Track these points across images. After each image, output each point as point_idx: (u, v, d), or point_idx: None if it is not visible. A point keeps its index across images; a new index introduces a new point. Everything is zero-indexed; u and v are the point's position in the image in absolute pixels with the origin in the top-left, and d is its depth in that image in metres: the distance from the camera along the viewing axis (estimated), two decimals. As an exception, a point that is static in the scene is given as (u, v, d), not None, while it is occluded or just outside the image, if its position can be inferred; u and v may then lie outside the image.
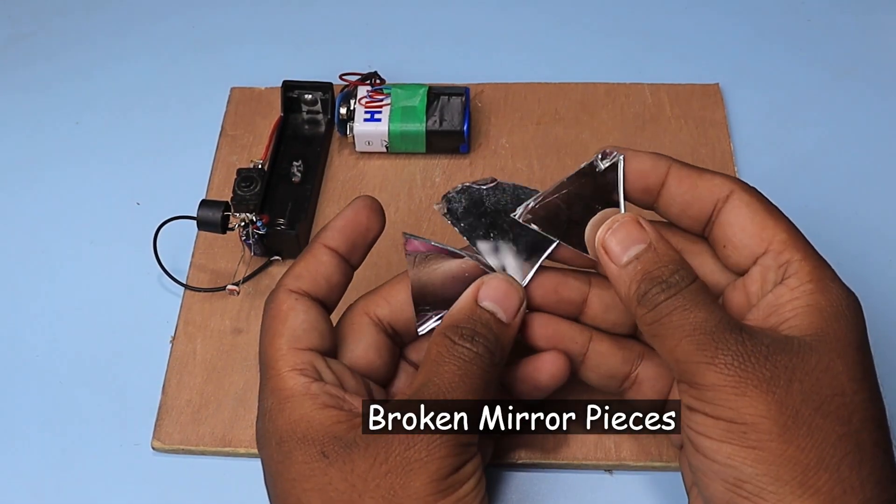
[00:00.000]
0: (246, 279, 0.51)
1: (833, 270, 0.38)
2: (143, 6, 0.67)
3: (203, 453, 0.47)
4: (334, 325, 0.41)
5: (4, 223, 0.56)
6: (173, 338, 0.50)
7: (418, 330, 0.40)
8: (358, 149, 0.56)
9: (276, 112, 0.57)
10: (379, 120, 0.55)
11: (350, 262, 0.41)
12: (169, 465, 0.47)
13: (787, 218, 0.39)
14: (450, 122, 0.55)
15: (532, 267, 0.40)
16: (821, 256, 0.38)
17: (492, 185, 0.41)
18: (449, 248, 0.40)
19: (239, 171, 0.52)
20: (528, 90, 0.59)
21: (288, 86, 0.56)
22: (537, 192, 0.40)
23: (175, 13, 0.66)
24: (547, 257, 0.40)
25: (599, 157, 0.40)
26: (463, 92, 0.56)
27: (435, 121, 0.55)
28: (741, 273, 0.39)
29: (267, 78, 0.60)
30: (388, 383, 0.42)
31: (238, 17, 0.66)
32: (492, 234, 0.40)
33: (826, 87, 0.60)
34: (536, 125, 0.58)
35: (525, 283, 0.40)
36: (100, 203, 0.56)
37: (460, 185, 0.41)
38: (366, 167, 0.56)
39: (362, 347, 0.40)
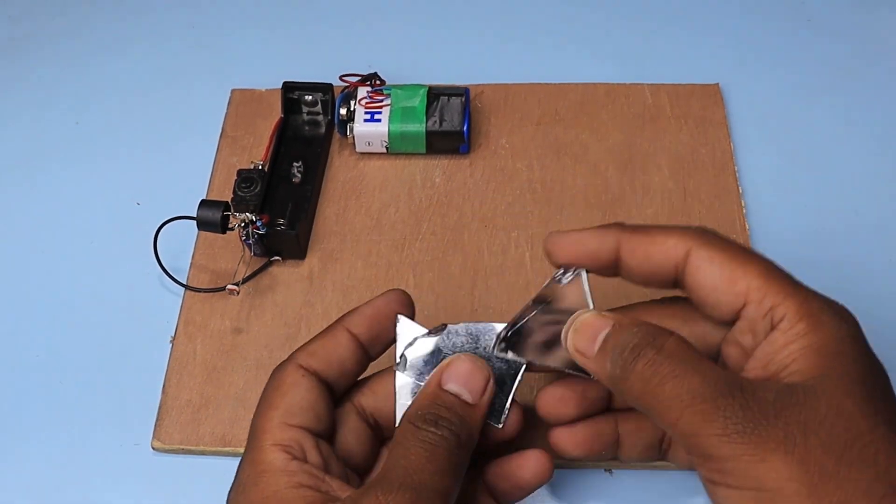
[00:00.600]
0: (246, 279, 0.51)
1: (820, 298, 0.36)
2: (142, 7, 0.67)
3: (203, 453, 0.47)
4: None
5: (4, 223, 0.56)
6: (173, 338, 0.50)
7: (396, 424, 0.38)
8: (358, 149, 0.56)
9: (277, 113, 0.57)
10: (379, 120, 0.55)
11: (369, 353, 0.40)
12: (169, 465, 0.47)
13: (756, 257, 0.37)
14: (450, 122, 0.55)
15: (508, 396, 0.39)
16: (804, 288, 0.36)
17: (443, 331, 0.40)
18: (435, 328, 0.40)
19: (239, 172, 0.52)
20: (528, 90, 0.59)
21: (288, 87, 0.56)
22: (491, 325, 0.40)
23: (175, 13, 0.66)
24: (519, 383, 0.39)
25: (560, 272, 0.39)
26: (463, 92, 0.56)
27: (435, 121, 0.55)
28: (731, 325, 0.37)
29: (267, 79, 0.60)
30: (366, 473, 0.40)
31: (238, 18, 0.66)
32: None
33: (826, 87, 0.60)
34: (536, 125, 0.58)
35: (504, 415, 0.39)
36: (100, 203, 0.56)
37: (412, 339, 0.40)
38: (366, 168, 0.56)
39: (342, 433, 0.39)
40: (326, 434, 0.38)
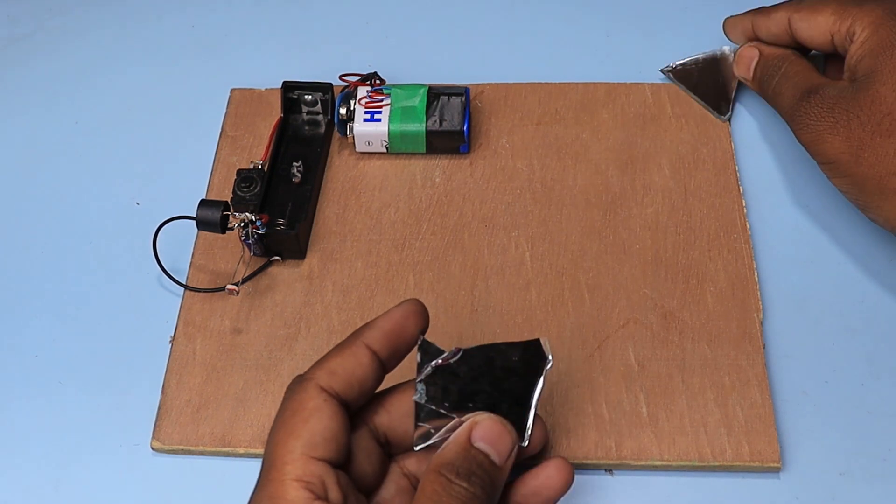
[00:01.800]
0: (245, 279, 0.51)
1: (889, 6, 0.47)
2: (142, 6, 0.67)
3: (203, 453, 0.47)
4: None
5: (4, 223, 0.56)
6: (173, 338, 0.50)
7: (415, 447, 0.38)
8: (358, 149, 0.56)
9: (276, 113, 0.57)
10: (379, 120, 0.55)
11: (385, 368, 0.39)
12: (168, 466, 0.47)
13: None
14: (450, 122, 0.55)
15: (530, 412, 0.39)
16: (883, 4, 0.48)
17: (458, 355, 0.39)
18: (451, 353, 0.40)
19: (239, 172, 0.52)
20: (528, 90, 0.59)
21: (288, 87, 0.56)
22: (503, 344, 0.40)
23: (175, 13, 0.66)
24: (539, 397, 0.39)
25: None
26: (463, 92, 0.56)
27: (435, 121, 0.55)
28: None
29: (267, 78, 0.60)
30: (374, 490, 0.40)
31: (238, 18, 0.66)
32: (470, 405, 0.39)
33: (826, 87, 0.60)
34: (536, 125, 0.58)
35: (528, 433, 0.39)
36: (99, 203, 0.56)
37: (429, 369, 0.39)
38: (366, 167, 0.56)
39: (357, 456, 0.38)
40: (344, 463, 0.37)
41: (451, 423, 0.38)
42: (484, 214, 0.54)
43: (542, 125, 0.58)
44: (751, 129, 0.58)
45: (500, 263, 0.52)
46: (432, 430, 0.38)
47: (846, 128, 0.46)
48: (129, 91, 0.62)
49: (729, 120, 0.57)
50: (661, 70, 0.60)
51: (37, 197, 0.57)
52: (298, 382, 0.38)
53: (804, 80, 0.50)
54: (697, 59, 0.59)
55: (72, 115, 0.61)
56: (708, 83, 0.58)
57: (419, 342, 0.39)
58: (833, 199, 0.55)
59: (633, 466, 0.45)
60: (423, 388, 0.39)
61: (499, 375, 0.39)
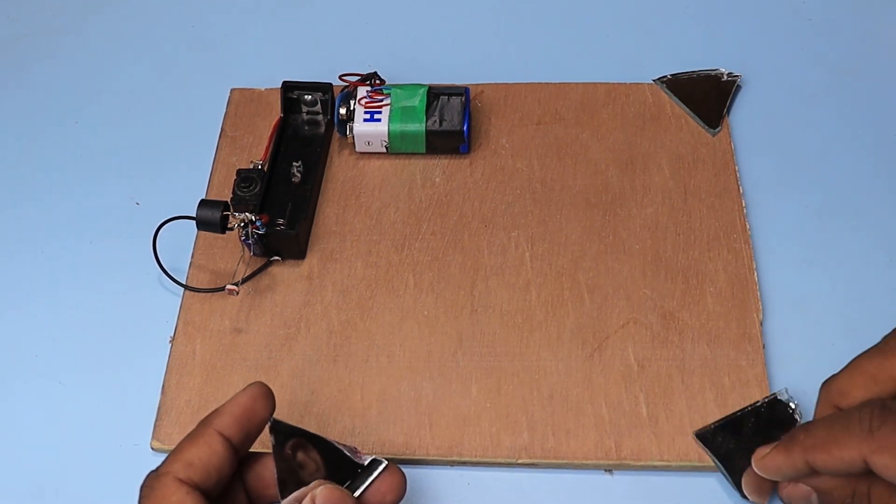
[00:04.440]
0: (245, 279, 0.51)
1: None
2: (142, 6, 0.67)
3: (203, 453, 0.47)
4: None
5: (4, 223, 0.56)
6: (173, 338, 0.50)
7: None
8: (358, 149, 0.56)
9: (276, 113, 0.57)
10: (379, 120, 0.55)
11: (239, 452, 0.39)
12: (168, 466, 0.47)
13: None
14: (450, 122, 0.55)
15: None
16: None
17: (305, 436, 0.40)
18: (313, 434, 0.40)
19: (239, 172, 0.52)
20: (528, 90, 0.59)
21: (288, 87, 0.56)
22: (341, 447, 0.40)
23: (175, 13, 0.66)
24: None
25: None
26: (463, 92, 0.56)
27: (435, 121, 0.55)
28: None
29: (267, 78, 0.60)
30: None
31: (238, 18, 0.66)
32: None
33: (826, 87, 0.60)
34: (536, 125, 0.58)
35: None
36: (100, 203, 0.56)
37: (286, 440, 0.40)
38: (366, 167, 0.56)
39: None
40: None
41: (299, 492, 0.38)
42: (484, 214, 0.54)
43: (542, 125, 0.58)
44: (751, 129, 0.58)
45: (499, 263, 0.52)
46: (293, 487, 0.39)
47: None
48: (129, 91, 0.62)
49: (718, 133, 0.56)
50: (654, 80, 0.59)
51: (37, 197, 0.57)
52: (155, 478, 0.37)
53: None
54: (693, 74, 0.59)
55: (72, 115, 0.61)
56: (701, 98, 0.58)
57: (270, 423, 0.40)
58: (833, 198, 0.55)
59: (632, 466, 0.45)
60: (281, 464, 0.39)
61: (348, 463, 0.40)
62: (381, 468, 0.40)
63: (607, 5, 0.65)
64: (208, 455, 0.37)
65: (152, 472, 0.38)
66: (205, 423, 0.39)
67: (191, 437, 0.38)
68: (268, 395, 0.40)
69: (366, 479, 0.40)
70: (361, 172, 0.56)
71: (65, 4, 0.67)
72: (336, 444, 0.40)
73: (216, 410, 0.39)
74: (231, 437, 0.38)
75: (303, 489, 0.38)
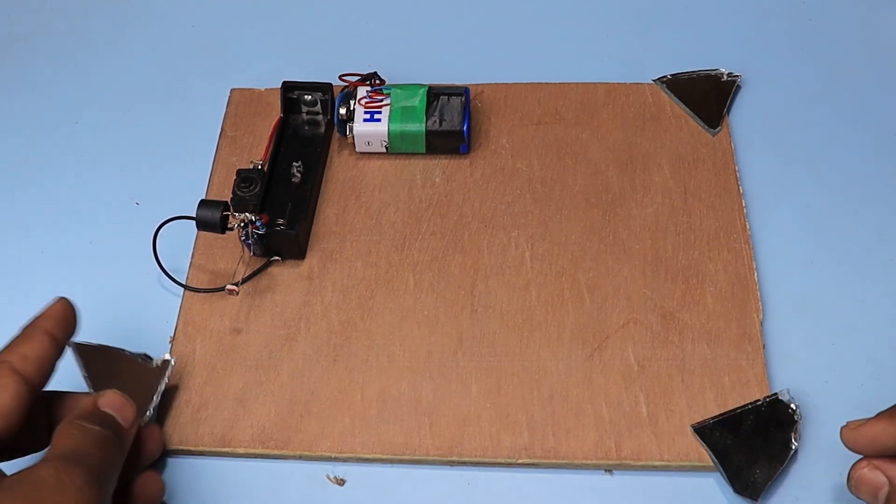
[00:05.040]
0: (245, 279, 0.51)
1: None
2: (142, 6, 0.67)
3: (202, 454, 0.47)
4: None
5: (5, 223, 0.56)
6: (173, 338, 0.50)
7: None
8: (358, 149, 0.56)
9: (276, 113, 0.57)
10: (379, 120, 0.55)
11: (61, 350, 0.42)
12: (168, 466, 0.47)
13: None
14: (450, 122, 0.55)
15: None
16: None
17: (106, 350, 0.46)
18: (111, 347, 0.46)
19: (239, 172, 0.52)
20: (528, 90, 0.59)
21: (288, 87, 0.56)
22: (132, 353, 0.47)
23: (175, 13, 0.66)
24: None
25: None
26: (463, 92, 0.56)
27: (435, 121, 0.55)
28: None
29: (267, 78, 0.60)
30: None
31: (238, 18, 0.66)
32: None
33: (826, 87, 0.60)
34: (536, 125, 0.58)
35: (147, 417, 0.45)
36: (100, 203, 0.56)
37: (92, 357, 0.46)
38: (366, 167, 0.56)
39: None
40: (9, 434, 0.39)
41: (92, 396, 0.42)
42: (484, 214, 0.54)
43: (542, 125, 0.58)
44: (751, 129, 0.58)
45: (499, 263, 0.52)
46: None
47: None
48: (129, 91, 0.62)
49: (718, 133, 0.56)
50: (654, 80, 0.59)
51: (36, 197, 0.57)
52: None
53: None
54: (693, 74, 0.59)
55: (72, 115, 0.61)
56: (701, 98, 0.58)
57: (72, 346, 0.45)
58: (833, 198, 0.55)
59: (632, 466, 0.45)
60: (93, 381, 0.45)
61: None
62: (169, 369, 0.46)
63: (607, 5, 0.65)
64: (39, 351, 0.41)
65: None
66: (33, 325, 0.42)
67: (23, 336, 0.42)
68: (74, 307, 0.43)
69: (160, 382, 0.46)
70: (361, 172, 0.56)
71: (65, 4, 0.67)
72: (129, 354, 0.46)
73: (41, 314, 0.42)
74: (56, 336, 0.42)
75: (96, 394, 0.42)
